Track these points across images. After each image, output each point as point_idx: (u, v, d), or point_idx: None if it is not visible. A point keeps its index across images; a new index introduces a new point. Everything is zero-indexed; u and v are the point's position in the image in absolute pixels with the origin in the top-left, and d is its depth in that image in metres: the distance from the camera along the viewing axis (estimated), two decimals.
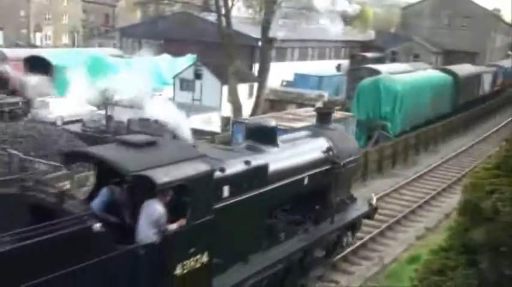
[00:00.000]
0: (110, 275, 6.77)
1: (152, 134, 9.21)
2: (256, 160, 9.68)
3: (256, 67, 36.12)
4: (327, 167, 11.83)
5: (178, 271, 7.82)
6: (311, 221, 11.77)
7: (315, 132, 12.66)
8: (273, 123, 11.22)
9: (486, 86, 42.29)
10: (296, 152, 11.33)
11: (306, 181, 11.27)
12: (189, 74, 33.38)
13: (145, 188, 7.51)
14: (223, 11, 29.43)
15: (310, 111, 21.06)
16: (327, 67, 48.17)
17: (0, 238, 5.68)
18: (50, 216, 6.41)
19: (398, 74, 30.38)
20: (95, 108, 29.34)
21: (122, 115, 23.95)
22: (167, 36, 44.74)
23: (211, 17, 34.38)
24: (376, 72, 31.44)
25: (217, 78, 32.09)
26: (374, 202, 13.92)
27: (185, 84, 33.36)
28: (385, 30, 68.62)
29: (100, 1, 75.66)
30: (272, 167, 9.93)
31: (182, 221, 7.83)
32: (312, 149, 11.82)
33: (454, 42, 56.09)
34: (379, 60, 48.86)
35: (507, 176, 7.27)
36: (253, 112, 28.63)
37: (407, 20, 58.89)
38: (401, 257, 13.95)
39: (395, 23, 72.81)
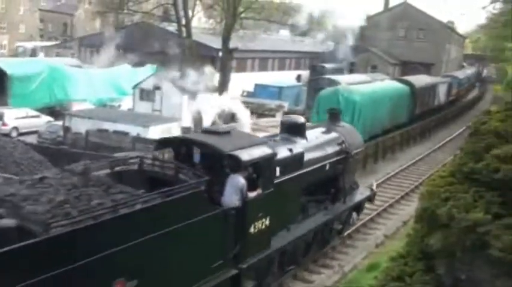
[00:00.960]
0: (210, 228, 9.15)
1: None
2: (296, 148, 12.25)
3: (216, 77, 36.14)
4: (341, 157, 14.51)
5: (251, 229, 10.38)
6: (329, 201, 14.33)
7: (328, 128, 15.17)
8: (302, 119, 13.79)
9: (441, 96, 43.39)
10: (320, 143, 13.93)
11: (327, 167, 13.90)
12: (149, 85, 33.05)
13: (232, 164, 9.96)
14: (183, 21, 29.40)
15: (271, 121, 21.12)
16: (287, 78, 48.56)
17: (142, 198, 7.77)
18: (166, 185, 8.40)
19: (356, 85, 30.87)
20: (51, 119, 28.75)
21: (80, 126, 23.52)
22: (127, 46, 44.32)
23: (172, 28, 34.26)
24: (336, 82, 31.87)
25: (177, 88, 31.87)
26: (374, 187, 16.86)
27: (145, 95, 32.99)
28: (344, 42, 69.70)
29: (58, 10, 74.42)
30: (305, 155, 12.54)
31: (259, 191, 10.44)
32: (330, 142, 14.45)
33: (411, 54, 57.44)
34: (338, 71, 49.57)
35: (461, 183, 7.45)
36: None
37: (366, 32, 59.97)
38: (361, 265, 14.09)
39: (354, 35, 73.99)
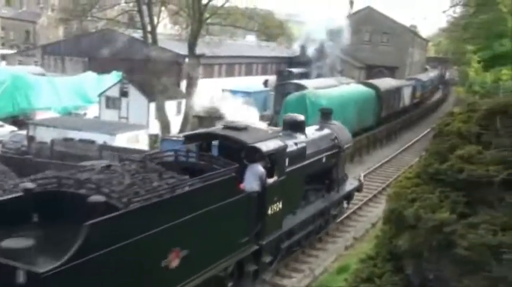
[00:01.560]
0: (238, 209, 10.81)
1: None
2: (299, 143, 14.02)
3: (183, 84, 35.95)
4: (334, 151, 16.34)
5: (269, 211, 12.09)
6: (324, 190, 16.21)
7: (321, 126, 16.95)
8: (302, 118, 15.27)
9: (406, 99, 44.11)
10: (317, 139, 15.60)
11: (323, 160, 15.64)
12: (115, 92, 32.71)
13: (253, 155, 11.60)
14: (149, 28, 29.17)
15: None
16: (254, 83, 48.65)
17: (189, 182, 9.40)
18: (200, 173, 10.03)
19: (323, 89, 31.12)
20: (15, 129, 28.16)
21: (45, 135, 23.10)
22: (91, 53, 43.73)
23: (137, 34, 33.96)
24: (302, 87, 32.06)
25: (144, 95, 31.64)
26: (362, 179, 18.97)
27: (111, 102, 32.63)
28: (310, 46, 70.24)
29: (19, 18, 73.00)
30: (306, 149, 14.36)
31: (275, 178, 12.14)
32: (324, 138, 16.19)
33: (376, 58, 58.27)
34: (305, 76, 49.88)
35: (427, 184, 7.57)
36: (182, 129, 28.40)
37: (331, 37, 60.57)
38: (332, 267, 14.18)
39: (319, 39, 74.63)
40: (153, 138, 26.80)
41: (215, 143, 12.42)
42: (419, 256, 7.29)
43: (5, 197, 8.46)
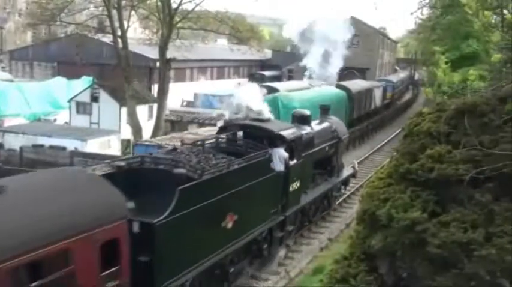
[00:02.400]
0: (270, 185, 13.47)
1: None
2: (308, 133, 16.66)
3: (155, 88, 35.71)
4: (334, 141, 19.02)
5: (291, 188, 14.74)
6: (327, 175, 18.82)
7: (321, 120, 19.57)
8: (308, 113, 17.71)
9: (377, 100, 44.58)
10: (321, 130, 18.28)
11: (326, 149, 18.35)
12: (86, 97, 32.30)
13: (279, 140, 14.39)
14: (119, 32, 28.89)
15: (212, 130, 21.11)
16: (226, 86, 48.63)
17: (237, 161, 12.00)
18: (238, 156, 12.33)
19: (295, 91, 31.25)
20: None
21: (14, 142, 22.67)
22: (61, 58, 43.13)
23: (107, 39, 33.62)
24: (274, 90, 32.13)
25: (115, 100, 31.32)
26: (356, 166, 22.14)
27: (82, 108, 32.22)
28: (281, 49, 70.58)
29: None
30: (314, 138, 17.03)
31: (295, 160, 14.89)
32: (326, 129, 18.91)
33: (346, 59, 58.69)
34: (277, 78, 50.02)
35: (398, 184, 7.66)
36: (154, 134, 28.18)
37: (302, 39, 60.91)
38: (307, 269, 14.25)
39: (291, 42, 75.00)
40: (125, 144, 26.55)
41: (240, 133, 14.73)
42: (392, 255, 7.38)
43: (100, 173, 10.12)
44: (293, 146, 14.90)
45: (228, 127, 15.23)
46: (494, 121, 7.28)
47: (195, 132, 22.55)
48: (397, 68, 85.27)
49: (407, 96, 68.68)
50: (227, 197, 11.25)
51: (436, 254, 6.75)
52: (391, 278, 7.54)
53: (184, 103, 41.81)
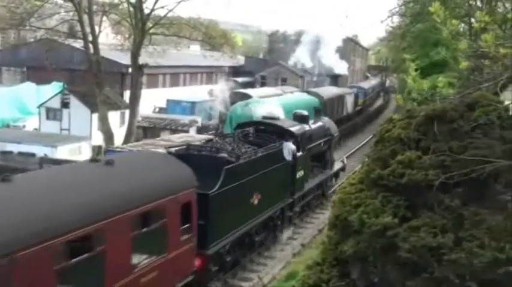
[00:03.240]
0: (283, 171, 16.42)
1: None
2: (308, 130, 19.52)
3: (127, 94, 35.38)
4: (327, 138, 21.96)
5: (297, 176, 17.77)
6: (322, 168, 21.70)
7: (315, 120, 22.04)
8: (306, 113, 20.86)
9: (349, 106, 45.02)
10: (317, 128, 21.05)
11: (322, 144, 21.21)
12: (56, 103, 31.84)
13: (288, 135, 17.45)
14: (90, 37, 28.58)
15: (184, 136, 21.05)
16: (199, 92, 48.50)
17: (259, 150, 14.98)
18: (258, 147, 15.33)
19: (268, 98, 31.35)
20: None
21: None
22: (30, 63, 42.42)
23: (78, 44, 33.22)
24: (247, 96, 32.22)
25: (86, 106, 30.95)
26: (345, 161, 25.70)
27: (52, 114, 31.75)
28: (254, 56, 70.83)
29: None
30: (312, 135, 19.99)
31: (301, 153, 17.84)
32: (321, 128, 21.61)
33: (318, 66, 59.19)
34: (250, 85, 50.13)
35: (370, 189, 7.73)
36: (126, 140, 27.90)
37: (274, 46, 61.26)
38: (280, 275, 14.26)
39: (263, 49, 75.46)
40: (96, 150, 26.22)
41: (251, 129, 17.25)
42: (364, 260, 7.44)
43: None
44: (299, 140, 18.01)
45: (244, 124, 18.21)
46: (463, 127, 7.42)
47: (167, 139, 22.38)
48: (369, 75, 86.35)
49: (379, 102, 69.53)
50: (254, 179, 14.08)
51: (406, 259, 6.82)
52: (363, 283, 7.59)
53: (157, 109, 41.52)
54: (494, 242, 6.51)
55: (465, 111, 7.61)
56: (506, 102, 7.82)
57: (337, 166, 23.65)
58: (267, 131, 17.24)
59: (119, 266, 9.05)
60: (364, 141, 37.36)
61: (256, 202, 14.37)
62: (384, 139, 8.10)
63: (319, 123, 21.79)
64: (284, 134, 17.29)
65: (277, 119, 18.50)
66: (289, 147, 16.78)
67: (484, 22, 5.45)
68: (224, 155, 13.34)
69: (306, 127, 19.51)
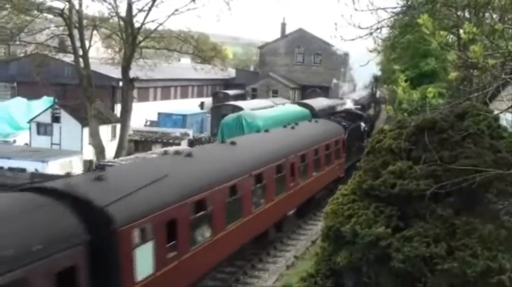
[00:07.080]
0: (362, 134, 31.11)
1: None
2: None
3: (118, 108, 35.31)
4: (371, 123, 33.98)
5: (365, 138, 29.24)
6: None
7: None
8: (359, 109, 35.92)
9: None
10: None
11: (368, 125, 32.14)
12: (46, 118, 31.71)
13: (362, 118, 32.87)
14: (80, 52, 28.57)
15: (177, 149, 20.97)
16: (190, 105, 48.50)
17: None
18: (352, 122, 29.05)
19: (259, 110, 31.43)
20: None
21: None
22: (21, 78, 42.29)
23: (68, 58, 33.17)
24: (239, 108, 32.26)
25: (77, 120, 30.83)
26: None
27: (42, 129, 31.59)
28: (244, 68, 71.03)
29: None
30: None
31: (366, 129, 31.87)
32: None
33: (309, 78, 59.52)
34: (241, 97, 50.22)
35: (362, 200, 7.77)
36: (117, 154, 27.80)
37: (265, 58, 61.46)
38: None
39: (254, 61, 75.71)
40: (87, 164, 26.10)
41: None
42: (358, 271, 7.45)
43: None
44: (365, 121, 29.21)
45: (338, 113, 30.67)
46: (453, 137, 7.48)
47: (158, 152, 22.31)
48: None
49: (370, 113, 69.65)
50: (354, 135, 24.51)
51: (400, 269, 6.84)
52: None
53: (148, 123, 41.46)
54: (486, 251, 6.55)
55: (455, 121, 7.68)
56: (496, 112, 7.89)
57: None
58: (349, 115, 29.90)
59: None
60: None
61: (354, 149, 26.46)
62: (375, 150, 8.15)
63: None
64: (361, 117, 31.23)
65: (354, 109, 30.60)
66: (362, 125, 29.84)
67: (472, 33, 5.53)
68: (345, 123, 26.10)
69: (364, 115, 32.70)
